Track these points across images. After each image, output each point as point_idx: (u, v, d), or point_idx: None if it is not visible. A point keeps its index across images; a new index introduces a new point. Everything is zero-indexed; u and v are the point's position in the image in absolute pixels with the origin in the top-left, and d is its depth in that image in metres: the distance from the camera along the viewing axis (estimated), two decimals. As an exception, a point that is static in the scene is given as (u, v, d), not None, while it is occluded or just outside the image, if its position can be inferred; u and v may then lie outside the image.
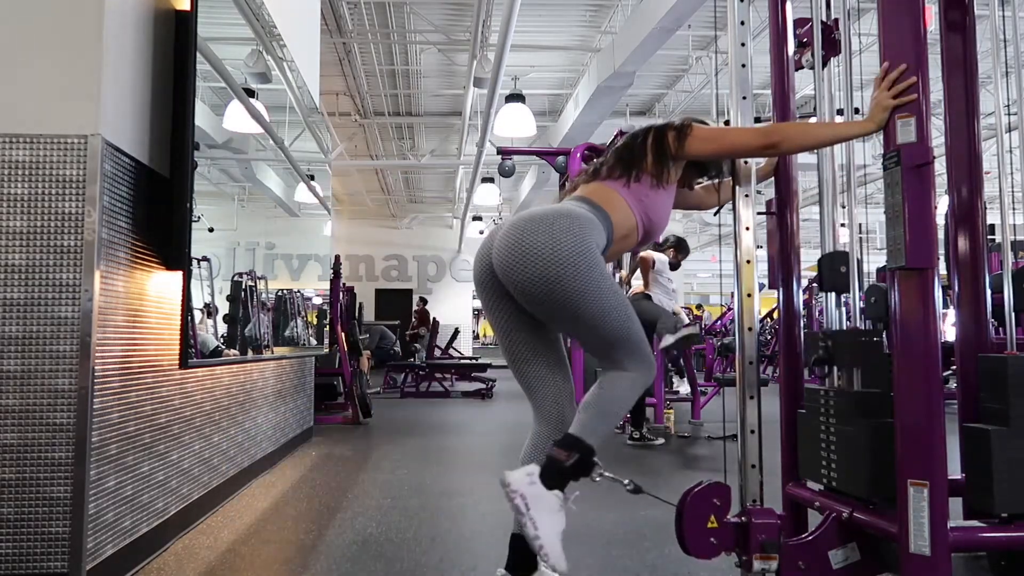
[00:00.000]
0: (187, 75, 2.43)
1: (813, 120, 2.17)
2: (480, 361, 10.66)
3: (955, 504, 1.83)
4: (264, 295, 4.14)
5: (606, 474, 1.85)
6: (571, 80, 9.81)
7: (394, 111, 11.10)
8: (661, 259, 5.29)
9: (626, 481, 1.89)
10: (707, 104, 10.12)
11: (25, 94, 2.04)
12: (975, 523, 1.77)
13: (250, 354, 3.78)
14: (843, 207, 2.06)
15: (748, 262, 1.99)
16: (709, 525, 1.82)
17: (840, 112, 2.15)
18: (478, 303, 2.01)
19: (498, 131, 7.81)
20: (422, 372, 9.51)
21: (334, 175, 10.95)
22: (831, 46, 2.12)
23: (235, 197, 4.12)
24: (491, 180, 11.65)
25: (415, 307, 15.45)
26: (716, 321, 13.77)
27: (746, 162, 2.03)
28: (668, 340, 4.95)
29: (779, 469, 2.17)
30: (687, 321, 5.38)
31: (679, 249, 5.45)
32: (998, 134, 2.02)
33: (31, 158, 2.01)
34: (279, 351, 4.47)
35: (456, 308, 17.59)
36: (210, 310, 3.40)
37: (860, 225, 2.32)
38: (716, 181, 2.18)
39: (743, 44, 2.04)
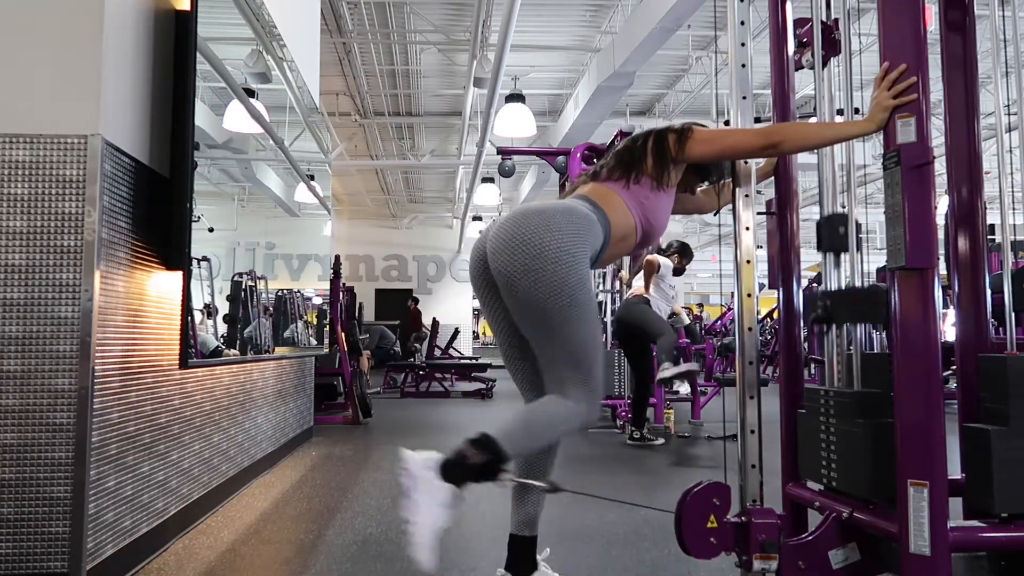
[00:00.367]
0: (187, 75, 2.43)
1: (813, 120, 2.17)
2: (480, 361, 10.66)
3: (955, 504, 1.83)
4: (264, 295, 4.14)
5: (518, 479, 1.81)
6: (571, 80, 9.81)
7: (394, 111, 11.10)
8: (666, 264, 5.28)
9: (542, 484, 1.86)
10: (707, 104, 10.12)
11: (25, 94, 2.04)
12: (975, 523, 1.77)
13: (250, 354, 3.79)
14: (843, 207, 2.06)
15: (748, 262, 1.99)
16: (709, 525, 1.82)
17: (840, 112, 2.15)
18: (478, 303, 2.01)
19: (498, 131, 7.81)
20: (422, 372, 9.51)
21: (334, 175, 10.95)
22: (831, 46, 2.12)
23: (235, 197, 4.13)
24: (491, 180, 11.65)
25: (412, 309, 15.43)
26: (716, 321, 13.78)
27: (746, 162, 2.04)
28: (667, 371, 4.91)
29: (779, 469, 2.17)
30: (687, 321, 5.38)
31: (683, 255, 5.45)
32: (998, 134, 2.02)
33: (31, 158, 2.01)
34: (279, 351, 4.48)
35: (456, 308, 17.58)
36: (210, 310, 3.41)
37: (860, 225, 2.32)
38: (717, 184, 2.18)
39: (743, 44, 2.04)
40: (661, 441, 5.03)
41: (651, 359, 5.08)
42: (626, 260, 5.85)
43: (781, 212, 2.20)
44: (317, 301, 6.03)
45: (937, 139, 2.36)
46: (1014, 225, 2.17)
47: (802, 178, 6.69)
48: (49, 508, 1.96)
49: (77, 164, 2.02)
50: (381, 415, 6.69)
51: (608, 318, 6.87)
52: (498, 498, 2.77)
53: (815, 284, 10.33)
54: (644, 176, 1.98)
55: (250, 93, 3.52)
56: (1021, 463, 1.74)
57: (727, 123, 2.11)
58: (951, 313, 2.49)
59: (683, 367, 4.93)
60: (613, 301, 6.77)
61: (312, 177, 5.03)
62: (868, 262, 6.07)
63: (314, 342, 5.75)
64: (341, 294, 6.79)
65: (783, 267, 2.20)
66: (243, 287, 3.73)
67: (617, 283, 6.63)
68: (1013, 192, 2.47)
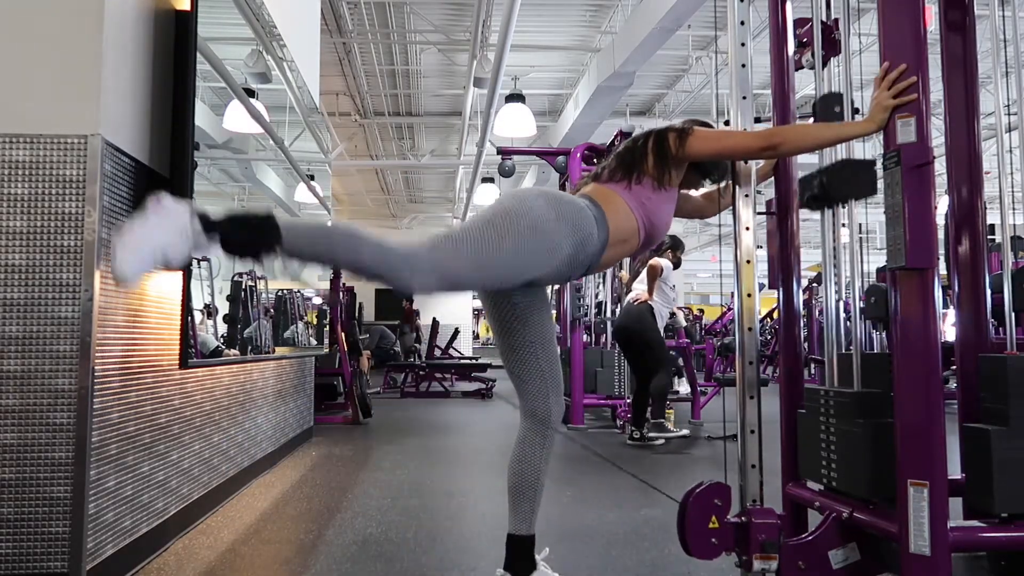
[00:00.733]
0: (187, 75, 2.43)
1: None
2: (480, 361, 10.66)
3: (955, 504, 1.83)
4: (264, 295, 4.14)
5: (285, 259, 1.62)
6: (571, 80, 9.80)
7: (394, 111, 11.10)
8: (667, 266, 5.27)
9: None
10: (707, 104, 10.12)
11: (25, 94, 2.04)
12: (975, 523, 1.77)
13: (250, 354, 3.79)
14: (843, 207, 2.06)
15: (748, 262, 1.99)
16: (710, 525, 1.82)
17: (840, 112, 2.15)
18: (478, 303, 2.00)
19: (498, 131, 7.81)
20: (422, 372, 9.51)
21: (334, 175, 10.95)
22: (831, 46, 2.12)
23: (235, 197, 4.13)
24: (491, 180, 11.65)
25: (406, 308, 15.46)
26: (716, 321, 13.79)
27: (746, 162, 2.04)
28: (657, 431, 4.98)
29: (779, 469, 2.17)
30: (683, 323, 5.39)
31: (676, 248, 5.44)
32: (998, 134, 2.02)
33: (31, 158, 2.01)
34: (279, 351, 4.48)
35: (456, 308, 17.58)
36: (210, 310, 3.41)
37: (860, 225, 2.32)
38: (719, 186, 2.18)
39: (743, 44, 2.05)
40: (661, 441, 5.03)
41: (651, 360, 5.07)
42: (626, 261, 5.84)
43: (781, 212, 2.20)
44: (317, 301, 6.03)
45: (937, 139, 2.35)
46: (1014, 225, 2.17)
47: (802, 178, 6.68)
48: (49, 508, 1.96)
49: (77, 164, 2.02)
50: (381, 415, 6.69)
51: (608, 318, 6.88)
52: (498, 498, 2.77)
53: (815, 284, 10.35)
54: (646, 176, 1.98)
55: (250, 93, 3.52)
56: (1021, 463, 1.74)
57: (727, 123, 2.11)
58: (951, 313, 2.49)
59: (678, 433, 5.05)
60: (613, 302, 6.78)
61: (312, 177, 5.04)
62: (868, 262, 6.07)
63: (314, 342, 5.75)
64: (341, 294, 6.79)
65: (783, 267, 2.20)
66: (243, 287, 3.73)
67: (616, 282, 6.63)
68: (1013, 192, 2.47)
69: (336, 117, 10.19)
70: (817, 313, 9.79)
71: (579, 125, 8.77)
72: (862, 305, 2.04)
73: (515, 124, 7.44)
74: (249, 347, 3.84)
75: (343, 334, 6.50)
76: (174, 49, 2.47)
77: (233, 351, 3.52)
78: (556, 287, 6.55)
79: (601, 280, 7.11)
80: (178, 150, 2.44)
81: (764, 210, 2.24)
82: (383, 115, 11.06)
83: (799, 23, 2.21)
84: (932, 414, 1.63)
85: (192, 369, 2.70)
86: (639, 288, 5.27)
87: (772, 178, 2.22)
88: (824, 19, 2.14)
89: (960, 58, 2.18)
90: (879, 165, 1.79)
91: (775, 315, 9.22)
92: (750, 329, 2.00)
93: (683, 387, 7.13)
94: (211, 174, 3.62)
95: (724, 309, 14.20)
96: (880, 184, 1.80)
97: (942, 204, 2.91)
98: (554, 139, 9.94)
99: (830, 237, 2.08)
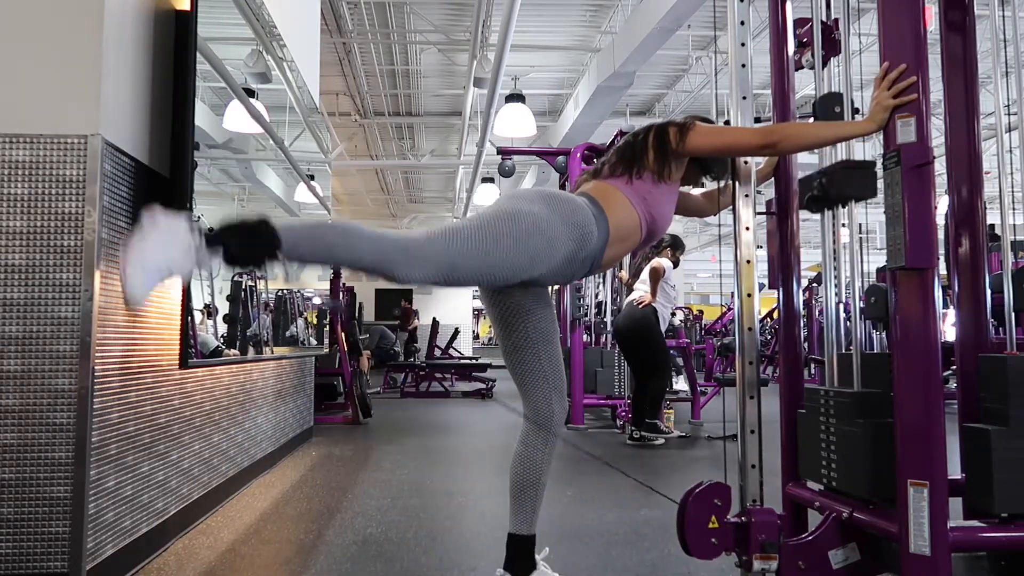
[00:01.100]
0: (187, 75, 2.43)
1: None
2: (480, 361, 10.66)
3: (955, 504, 1.83)
4: (264, 295, 4.14)
5: (288, 262, 1.63)
6: (571, 80, 9.80)
7: (394, 111, 11.09)
8: (669, 266, 5.27)
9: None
10: (707, 104, 10.11)
11: (25, 94, 2.04)
12: (975, 523, 1.77)
13: (251, 353, 3.79)
14: (843, 208, 2.06)
15: (748, 262, 1.99)
16: (710, 525, 1.82)
17: (840, 112, 2.15)
18: (478, 303, 2.01)
19: (498, 131, 7.81)
20: (422, 372, 9.51)
21: (334, 175, 10.95)
22: (831, 46, 2.12)
23: (235, 197, 4.13)
24: (491, 180, 11.65)
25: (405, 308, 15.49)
26: (716, 321, 13.78)
27: (746, 162, 2.04)
28: (651, 432, 4.99)
29: (779, 469, 2.17)
30: (681, 319, 5.40)
31: (675, 247, 5.44)
32: (998, 134, 2.02)
33: (31, 158, 2.01)
34: (279, 351, 4.48)
35: (456, 308, 17.58)
36: (210, 310, 3.41)
37: (860, 225, 2.32)
38: (718, 184, 2.18)
39: (743, 44, 2.05)
40: (661, 441, 5.03)
41: (651, 363, 5.07)
42: (626, 260, 5.84)
43: (781, 212, 2.20)
44: (317, 301, 6.03)
45: (937, 139, 2.36)
46: (1014, 225, 2.17)
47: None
48: (49, 508, 1.96)
49: (77, 164, 2.02)
50: (381, 415, 6.69)
51: (608, 318, 6.88)
52: (498, 498, 2.77)
53: (815, 284, 10.35)
54: (646, 171, 1.98)
55: (250, 93, 3.52)
56: (1021, 463, 1.74)
57: (727, 123, 2.11)
58: (951, 313, 2.49)
59: (675, 433, 5.09)
60: (613, 302, 6.78)
61: (312, 177, 5.04)
62: (868, 262, 6.06)
63: (314, 342, 5.75)
64: (341, 294, 6.79)
65: (783, 267, 2.20)
66: (243, 287, 3.73)
67: (616, 282, 6.62)
68: (1013, 192, 2.47)
69: (336, 117, 10.18)
70: (817, 313, 9.79)
71: (579, 125, 8.77)
72: (862, 305, 2.04)
73: (515, 124, 7.44)
74: (253, 343, 3.84)
75: (343, 334, 6.50)
76: (174, 49, 2.47)
77: (233, 351, 3.52)
78: (556, 287, 6.55)
79: (601, 280, 7.11)
80: (178, 150, 2.44)
81: (764, 210, 2.24)
82: (383, 115, 11.06)
83: (799, 23, 2.21)
84: (932, 414, 1.63)
85: (192, 369, 2.70)
86: (641, 289, 5.24)
87: (772, 178, 2.22)
88: (824, 19, 2.14)
89: (960, 58, 2.18)
90: (879, 166, 1.79)
91: (775, 315, 9.22)
92: (750, 329, 2.00)
93: (681, 383, 7.13)
94: (211, 174, 3.62)
95: (724, 309, 14.19)
96: (880, 184, 1.80)
97: (942, 204, 2.91)
98: (554, 139, 9.94)
99: (830, 237, 2.08)
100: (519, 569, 2.00)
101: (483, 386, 8.94)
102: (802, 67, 2.22)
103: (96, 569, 2.03)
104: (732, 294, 3.09)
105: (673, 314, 6.47)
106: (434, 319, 14.14)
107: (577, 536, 2.68)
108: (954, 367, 2.19)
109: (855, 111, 1.97)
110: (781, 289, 2.21)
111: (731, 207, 2.07)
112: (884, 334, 1.94)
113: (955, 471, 1.84)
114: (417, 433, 5.63)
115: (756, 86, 2.12)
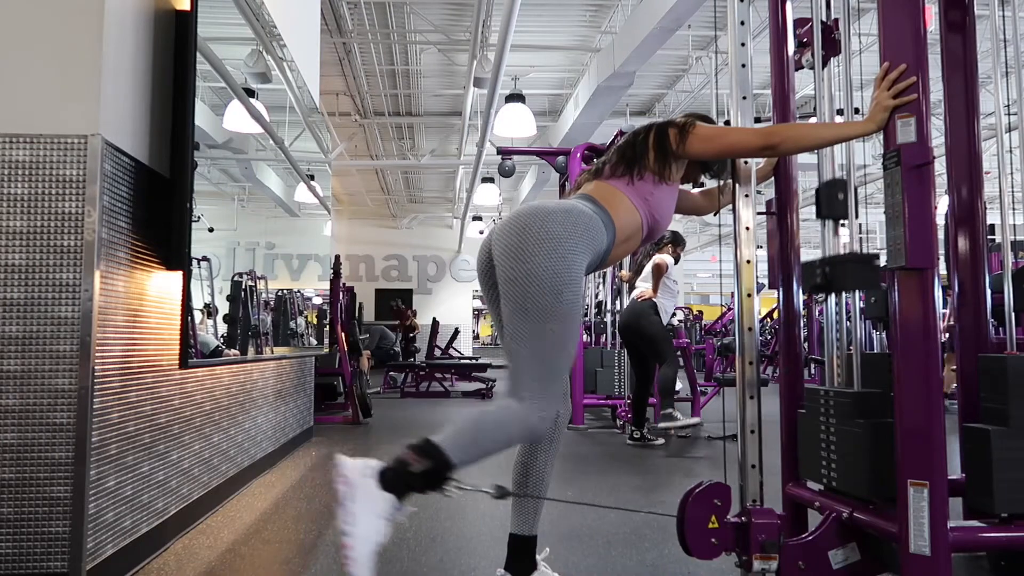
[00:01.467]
0: (187, 75, 2.43)
1: (813, 120, 2.17)
2: (480, 361, 10.66)
3: (955, 504, 1.83)
4: (264, 295, 4.14)
5: (465, 487, 1.69)
6: (571, 80, 9.81)
7: (394, 111, 11.10)
8: (671, 262, 5.28)
9: (490, 488, 1.76)
10: (707, 104, 10.11)
11: (25, 94, 2.04)
12: (975, 523, 1.77)
13: (251, 353, 3.78)
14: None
15: (748, 262, 1.99)
16: (710, 526, 1.82)
17: (840, 112, 2.15)
18: (478, 303, 2.01)
19: (498, 131, 7.81)
20: (422, 372, 9.51)
21: (334, 175, 10.95)
22: (831, 46, 2.12)
23: (235, 197, 4.12)
24: (491, 180, 11.65)
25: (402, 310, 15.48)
26: (716, 321, 13.78)
27: (746, 162, 2.04)
28: (667, 422, 4.95)
29: (779, 469, 2.17)
30: (679, 318, 5.39)
31: (676, 244, 5.45)
32: (998, 134, 2.02)
33: (31, 158, 2.01)
34: (279, 351, 4.48)
35: (456, 308, 17.58)
36: (210, 310, 3.40)
37: (860, 225, 2.33)
38: (718, 184, 2.18)
39: (743, 44, 2.05)
40: (661, 441, 5.03)
41: (655, 354, 5.06)
42: (626, 260, 5.84)
43: (781, 212, 2.20)
44: (317, 301, 6.03)
45: (937, 139, 2.36)
46: (1014, 225, 2.17)
47: (802, 178, 6.68)
48: (49, 508, 1.96)
49: (77, 164, 2.02)
50: (381, 415, 6.69)
51: (608, 317, 6.88)
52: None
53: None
54: (647, 171, 1.98)
55: (250, 93, 3.52)
56: (1021, 463, 1.74)
57: (727, 123, 2.11)
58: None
59: (688, 421, 5.02)
60: (614, 301, 6.78)
61: (312, 177, 5.03)
62: (867, 242, 6.04)
63: (314, 342, 5.74)
64: (341, 294, 6.79)
65: (783, 267, 2.20)
66: (243, 287, 3.73)
67: (617, 281, 6.62)
68: (1013, 192, 2.47)
69: (336, 117, 10.19)
70: (817, 313, 9.78)
71: (579, 125, 8.77)
72: (862, 305, 2.04)
73: (515, 124, 7.44)
74: (253, 335, 3.84)
75: (343, 334, 6.50)
76: (174, 49, 2.47)
77: (233, 351, 3.52)
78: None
79: (601, 280, 7.11)
80: (178, 150, 2.44)
81: (764, 210, 2.24)
82: (383, 115, 11.06)
83: (799, 23, 2.21)
84: (932, 414, 1.63)
85: (192, 369, 2.70)
86: (643, 286, 5.26)
87: (772, 178, 2.22)
88: (824, 19, 2.14)
89: (960, 58, 2.18)
90: (882, 172, 1.79)
91: (775, 315, 9.21)
92: (750, 329, 2.00)
93: (680, 382, 7.13)
94: (211, 174, 3.62)
95: (724, 309, 14.19)
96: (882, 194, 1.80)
97: (942, 204, 2.91)
98: (554, 139, 9.94)
99: (830, 237, 2.08)
100: (519, 569, 1.99)
101: (483, 386, 8.94)
102: (802, 67, 2.22)
103: (96, 569, 2.03)
104: (732, 294, 3.09)
105: (673, 314, 6.47)
106: (434, 319, 14.14)
107: (577, 536, 2.68)
108: (954, 367, 2.19)
109: (855, 111, 1.97)
110: (781, 289, 2.21)
111: (731, 206, 2.08)
112: (884, 334, 1.94)
113: (955, 471, 1.84)
114: (417, 433, 5.62)
115: (756, 86, 2.12)
